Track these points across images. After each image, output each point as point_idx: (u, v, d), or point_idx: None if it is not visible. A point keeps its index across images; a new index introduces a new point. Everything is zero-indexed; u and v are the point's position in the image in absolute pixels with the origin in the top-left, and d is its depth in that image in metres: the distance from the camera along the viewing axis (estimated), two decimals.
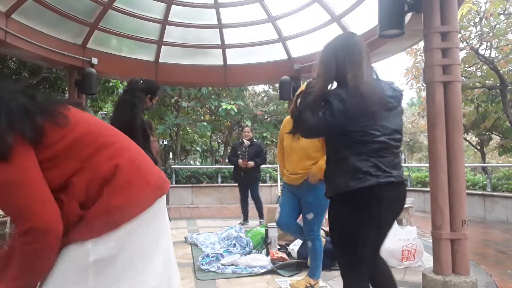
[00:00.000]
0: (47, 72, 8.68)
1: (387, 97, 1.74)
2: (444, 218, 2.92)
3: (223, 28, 6.30)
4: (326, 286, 3.05)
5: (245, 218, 6.05)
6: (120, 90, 10.82)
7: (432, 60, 3.05)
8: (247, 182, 6.00)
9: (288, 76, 6.08)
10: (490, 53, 9.13)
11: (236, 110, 11.36)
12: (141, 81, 3.22)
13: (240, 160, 5.90)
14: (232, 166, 6.34)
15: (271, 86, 13.60)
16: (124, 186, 1.15)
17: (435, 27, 3.03)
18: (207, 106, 12.75)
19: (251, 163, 5.83)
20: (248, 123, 13.03)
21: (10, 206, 1.06)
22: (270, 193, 9.69)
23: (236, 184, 10.05)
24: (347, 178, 1.68)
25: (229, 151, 16.85)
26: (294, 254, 3.68)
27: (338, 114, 1.64)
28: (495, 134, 12.07)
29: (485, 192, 7.12)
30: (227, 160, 16.34)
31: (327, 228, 4.60)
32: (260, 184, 6.63)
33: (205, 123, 13.06)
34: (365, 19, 4.99)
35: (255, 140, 6.36)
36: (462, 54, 8.93)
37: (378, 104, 1.65)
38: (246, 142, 6.01)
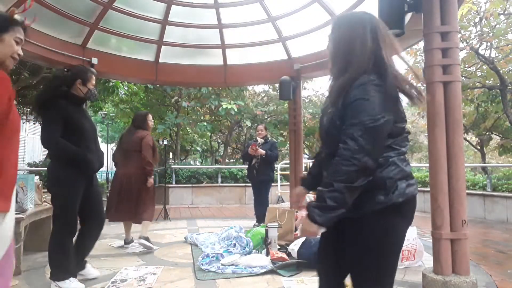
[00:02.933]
0: (47, 72, 8.67)
1: None
2: (444, 218, 2.92)
3: (223, 28, 6.30)
4: None
5: (258, 220, 5.73)
6: (120, 90, 10.85)
7: (432, 60, 3.05)
8: (259, 180, 5.84)
9: (288, 76, 6.07)
10: (490, 53, 9.13)
11: (236, 110, 11.36)
12: (66, 70, 3.11)
13: (250, 148, 5.76)
14: (231, 168, 6.30)
15: (271, 86, 13.60)
16: None
17: (435, 27, 3.03)
18: (207, 106, 12.76)
19: (262, 151, 5.68)
20: (248, 123, 13.03)
21: None
22: (270, 193, 9.66)
23: (237, 184, 10.21)
24: (402, 183, 1.40)
25: (229, 151, 16.91)
26: (294, 254, 3.68)
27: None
28: (495, 134, 12.08)
29: (485, 192, 7.12)
30: (227, 160, 16.42)
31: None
32: None
33: (205, 123, 13.06)
34: None
35: (269, 138, 6.23)
36: (462, 54, 8.93)
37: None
38: (260, 140, 5.90)
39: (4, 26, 1.68)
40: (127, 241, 4.53)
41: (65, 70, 3.14)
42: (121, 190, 4.36)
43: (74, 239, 3.08)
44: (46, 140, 2.88)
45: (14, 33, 1.70)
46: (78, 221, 3.13)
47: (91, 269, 3.29)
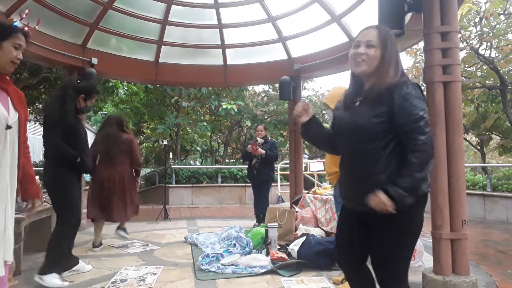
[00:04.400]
0: (47, 72, 8.67)
1: None
2: (444, 218, 2.92)
3: (223, 28, 6.30)
4: (328, 286, 3.05)
5: (258, 220, 5.76)
6: (120, 90, 10.85)
7: (432, 60, 3.05)
8: (259, 180, 5.82)
9: (288, 76, 6.07)
10: (490, 53, 9.13)
11: (236, 110, 11.36)
12: (78, 81, 3.39)
13: (249, 146, 5.74)
14: (231, 168, 6.28)
15: (271, 86, 13.60)
16: None
17: (435, 27, 3.03)
18: (207, 106, 12.75)
19: (262, 151, 5.65)
20: (248, 123, 13.02)
21: None
22: (270, 193, 9.66)
23: (237, 184, 10.21)
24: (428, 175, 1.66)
25: (229, 151, 16.91)
26: (294, 254, 3.67)
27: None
28: (495, 134, 12.07)
29: (485, 192, 7.12)
30: (227, 160, 16.42)
31: (326, 228, 4.62)
32: None
33: (205, 123, 13.05)
34: (365, 19, 4.98)
35: (269, 138, 6.20)
36: (462, 54, 8.93)
37: None
38: (260, 140, 5.87)
39: (2, 34, 1.80)
40: (96, 244, 4.38)
41: (78, 81, 3.45)
42: (109, 189, 4.33)
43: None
44: (49, 142, 3.18)
45: (12, 39, 1.82)
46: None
47: (85, 265, 3.48)
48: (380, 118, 1.63)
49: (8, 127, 1.85)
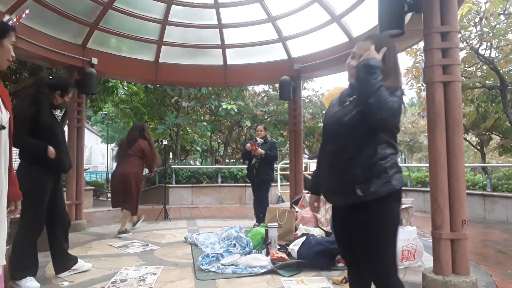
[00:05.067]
0: (47, 72, 8.67)
1: None
2: (444, 218, 2.92)
3: (223, 28, 6.31)
4: (328, 286, 3.05)
5: (258, 220, 5.76)
6: (120, 90, 10.84)
7: (432, 60, 3.05)
8: (259, 180, 5.79)
9: (288, 76, 6.07)
10: (490, 53, 9.12)
11: (236, 110, 11.35)
12: (50, 78, 3.30)
13: (249, 145, 5.72)
14: (231, 168, 6.27)
15: (271, 86, 13.59)
16: None
17: (435, 27, 3.03)
18: (207, 106, 12.74)
19: (261, 151, 5.62)
20: (248, 123, 13.01)
21: None
22: (270, 194, 9.66)
23: (237, 184, 10.21)
24: (400, 174, 1.73)
25: (229, 151, 16.90)
26: (294, 254, 3.68)
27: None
28: (495, 134, 12.06)
29: (485, 192, 7.12)
30: (227, 160, 16.41)
31: (326, 228, 4.62)
32: None
33: (205, 123, 13.05)
34: (365, 19, 4.99)
35: (269, 138, 6.18)
36: (462, 54, 8.92)
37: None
38: (260, 140, 5.84)
39: (2, 32, 1.83)
40: (120, 231, 5.22)
41: (49, 77, 3.34)
42: (117, 185, 5.29)
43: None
44: (16, 139, 2.90)
45: (10, 38, 1.86)
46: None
47: (85, 264, 3.43)
48: (357, 118, 1.71)
49: (2, 127, 1.82)
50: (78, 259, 3.39)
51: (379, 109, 1.58)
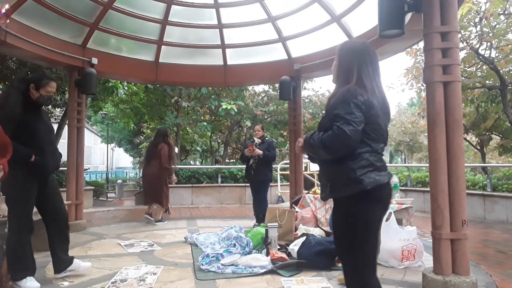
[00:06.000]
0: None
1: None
2: (444, 218, 2.92)
3: (223, 28, 6.31)
4: (328, 286, 3.05)
5: (258, 220, 5.71)
6: (120, 90, 10.83)
7: (432, 60, 3.05)
8: (257, 181, 5.77)
9: (288, 76, 6.07)
10: (490, 53, 9.12)
11: (236, 110, 11.35)
12: (28, 73, 3.15)
13: (247, 150, 5.68)
14: (231, 168, 6.26)
15: (271, 86, 13.60)
16: None
17: (435, 27, 3.03)
18: (207, 106, 12.75)
19: (259, 151, 5.59)
20: (248, 123, 13.02)
21: None
22: (270, 194, 9.68)
23: (237, 184, 10.20)
24: (373, 173, 1.74)
25: (229, 151, 16.90)
26: (294, 254, 3.68)
27: (360, 116, 1.74)
28: (495, 134, 12.07)
29: (485, 192, 7.12)
30: (227, 160, 16.41)
31: (326, 228, 4.62)
32: None
33: (205, 123, 13.05)
34: (365, 19, 4.99)
35: (267, 138, 6.15)
36: (462, 54, 8.93)
37: (384, 109, 1.87)
38: (257, 140, 5.80)
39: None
40: (156, 220, 6.21)
41: (28, 73, 3.19)
42: (144, 183, 6.60)
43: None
44: None
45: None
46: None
47: (81, 264, 3.31)
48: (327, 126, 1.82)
49: None
50: (74, 260, 3.28)
51: (338, 150, 1.74)
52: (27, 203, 3.00)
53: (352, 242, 1.78)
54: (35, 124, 3.02)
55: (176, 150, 13.02)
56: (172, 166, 6.37)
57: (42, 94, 3.05)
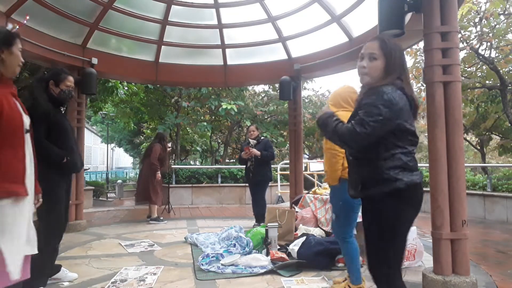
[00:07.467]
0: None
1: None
2: (444, 218, 2.92)
3: (223, 28, 6.31)
4: (328, 286, 3.05)
5: (257, 220, 5.67)
6: (120, 90, 10.83)
7: (432, 60, 3.05)
8: (256, 181, 5.72)
9: (288, 76, 6.07)
10: (490, 53, 9.12)
11: (236, 110, 11.34)
12: (45, 72, 3.17)
13: (243, 153, 5.66)
14: (231, 168, 6.25)
15: (271, 86, 13.59)
16: None
17: (435, 27, 3.03)
18: (207, 106, 12.74)
19: (256, 151, 5.54)
20: (248, 123, 13.01)
21: None
22: (270, 194, 9.68)
23: (236, 184, 10.20)
24: (406, 172, 1.73)
25: (229, 151, 16.89)
26: (294, 254, 3.68)
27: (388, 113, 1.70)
28: (495, 134, 12.07)
29: (485, 192, 7.12)
30: (227, 160, 16.41)
31: (326, 228, 4.62)
32: None
33: (205, 123, 13.04)
34: (365, 19, 4.99)
35: (262, 137, 6.12)
36: (462, 54, 8.92)
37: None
38: (252, 142, 5.77)
39: (11, 40, 1.91)
40: (151, 218, 6.32)
41: (45, 72, 3.21)
42: (138, 181, 6.74)
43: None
44: (38, 142, 2.67)
45: (17, 44, 1.94)
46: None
47: (68, 273, 3.20)
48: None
49: (27, 131, 1.91)
50: (62, 268, 3.17)
51: (345, 143, 1.78)
52: (60, 203, 2.91)
53: (382, 239, 1.76)
54: (64, 122, 3.02)
55: (173, 147, 13.04)
56: (162, 168, 6.53)
57: (63, 89, 3.04)
